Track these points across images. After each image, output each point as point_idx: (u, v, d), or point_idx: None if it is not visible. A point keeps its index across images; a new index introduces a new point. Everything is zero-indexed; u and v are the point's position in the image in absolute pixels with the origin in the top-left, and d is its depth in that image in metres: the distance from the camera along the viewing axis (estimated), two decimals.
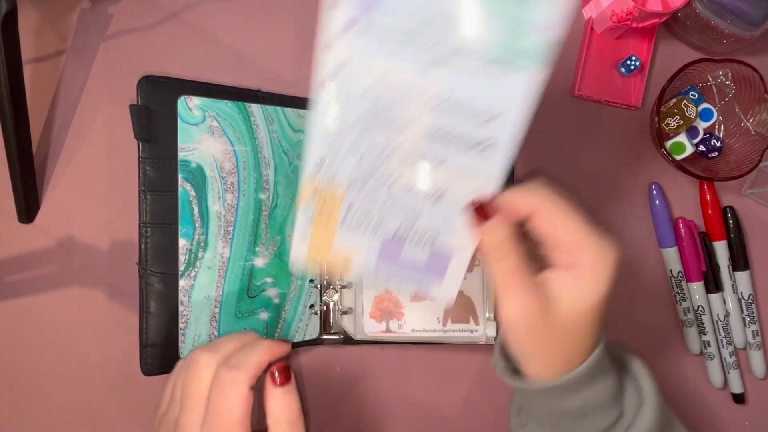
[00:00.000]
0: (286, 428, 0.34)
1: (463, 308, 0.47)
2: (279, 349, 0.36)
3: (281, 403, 0.35)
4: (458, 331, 0.47)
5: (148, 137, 0.44)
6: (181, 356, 0.44)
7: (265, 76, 0.50)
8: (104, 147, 0.49)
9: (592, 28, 0.51)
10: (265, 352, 0.35)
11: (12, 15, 0.40)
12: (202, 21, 0.50)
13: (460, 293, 0.47)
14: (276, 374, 0.35)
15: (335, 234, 0.35)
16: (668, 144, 0.50)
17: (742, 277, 0.52)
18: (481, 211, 0.34)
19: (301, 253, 0.36)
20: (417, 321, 0.47)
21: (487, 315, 0.47)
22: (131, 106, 0.44)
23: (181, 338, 0.44)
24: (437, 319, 0.47)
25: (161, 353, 0.44)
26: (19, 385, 0.49)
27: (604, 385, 0.34)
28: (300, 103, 0.48)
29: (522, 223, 0.33)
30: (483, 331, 0.47)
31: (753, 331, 0.51)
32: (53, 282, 0.49)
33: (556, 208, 0.32)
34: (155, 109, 0.44)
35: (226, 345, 0.36)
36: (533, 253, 0.34)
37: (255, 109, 0.47)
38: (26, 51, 0.45)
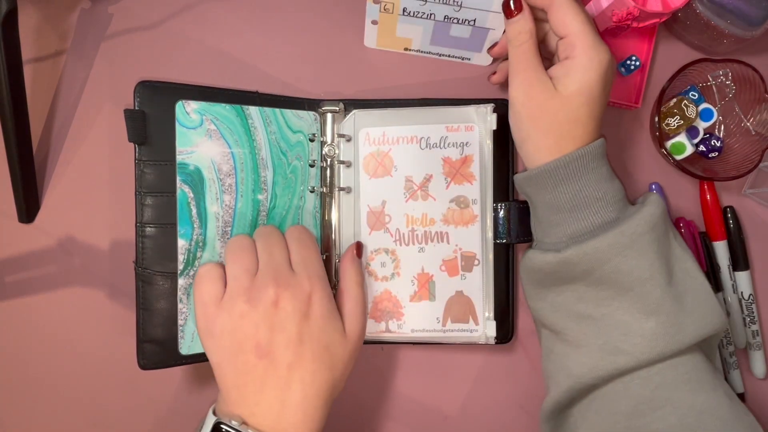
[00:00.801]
0: (356, 288, 0.45)
1: (462, 308, 0.47)
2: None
3: (355, 269, 0.45)
4: (457, 331, 0.47)
5: (143, 140, 0.45)
6: (181, 352, 0.45)
7: (263, 78, 0.50)
8: (104, 147, 0.49)
9: None
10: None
11: (12, 15, 0.40)
12: (202, 21, 0.50)
13: (460, 293, 0.47)
14: (356, 249, 0.46)
15: (397, 23, 0.46)
16: (668, 144, 0.50)
17: (742, 277, 0.52)
18: (508, 6, 0.43)
19: (372, 32, 0.48)
20: (416, 321, 0.47)
21: (486, 315, 0.47)
22: (125, 111, 0.44)
23: (180, 335, 0.45)
24: (437, 319, 0.47)
25: (160, 349, 0.45)
26: (20, 385, 0.49)
27: (597, 179, 0.41)
28: (298, 104, 0.48)
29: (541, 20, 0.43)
30: (482, 330, 0.47)
31: (753, 331, 0.52)
32: (53, 282, 0.49)
33: (567, 4, 0.40)
34: (153, 113, 0.45)
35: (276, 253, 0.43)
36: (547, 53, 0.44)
37: (253, 111, 0.47)
38: (26, 51, 0.45)
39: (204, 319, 0.41)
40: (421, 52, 0.50)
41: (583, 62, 0.40)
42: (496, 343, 0.48)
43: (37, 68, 0.49)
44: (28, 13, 0.49)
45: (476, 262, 0.47)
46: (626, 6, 0.45)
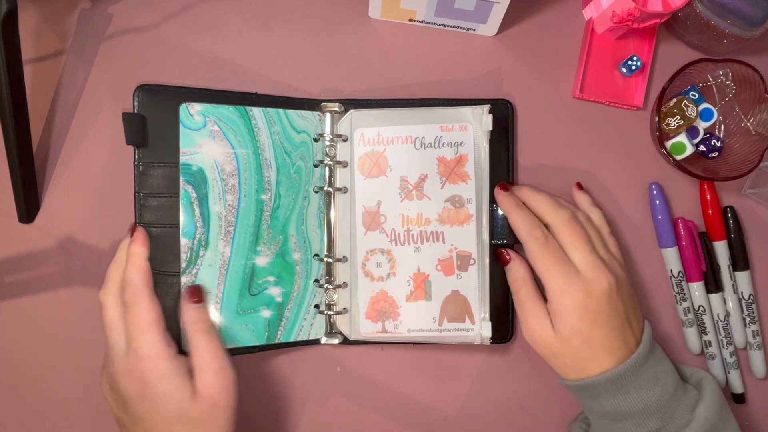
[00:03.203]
0: (200, 336, 0.42)
1: (458, 307, 0.47)
2: (141, 236, 0.44)
3: (195, 315, 0.43)
4: (454, 331, 0.47)
5: (141, 143, 0.45)
6: (184, 349, 0.44)
7: (265, 78, 0.50)
8: (104, 147, 0.49)
9: (592, 29, 0.51)
10: (134, 257, 0.43)
11: (12, 15, 0.40)
12: (202, 21, 0.50)
13: (456, 292, 0.47)
14: (191, 295, 0.44)
15: None
16: (668, 144, 0.50)
17: (742, 277, 0.52)
18: (502, 255, 0.47)
19: (377, 3, 0.48)
20: (413, 321, 0.47)
21: (482, 315, 0.47)
22: (123, 114, 0.45)
23: (183, 333, 0.45)
24: (433, 318, 0.47)
25: None
26: (19, 385, 0.49)
27: (635, 390, 0.41)
28: (302, 104, 0.48)
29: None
30: (478, 330, 0.47)
31: (753, 331, 0.51)
32: (53, 282, 0.49)
33: (531, 246, 0.44)
34: (154, 116, 0.45)
35: (112, 276, 0.44)
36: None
37: (256, 112, 0.47)
38: (26, 51, 0.45)
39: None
40: (426, 23, 0.50)
41: (557, 309, 0.43)
42: (492, 343, 0.48)
43: (37, 68, 0.49)
44: (28, 13, 0.49)
45: (472, 261, 0.47)
46: (627, 6, 0.45)
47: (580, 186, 0.50)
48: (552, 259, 0.43)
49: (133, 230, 0.44)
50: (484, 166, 0.47)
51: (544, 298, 0.44)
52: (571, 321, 0.42)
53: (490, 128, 0.47)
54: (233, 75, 0.50)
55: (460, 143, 0.47)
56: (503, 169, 0.50)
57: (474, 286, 0.47)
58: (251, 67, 0.50)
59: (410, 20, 0.50)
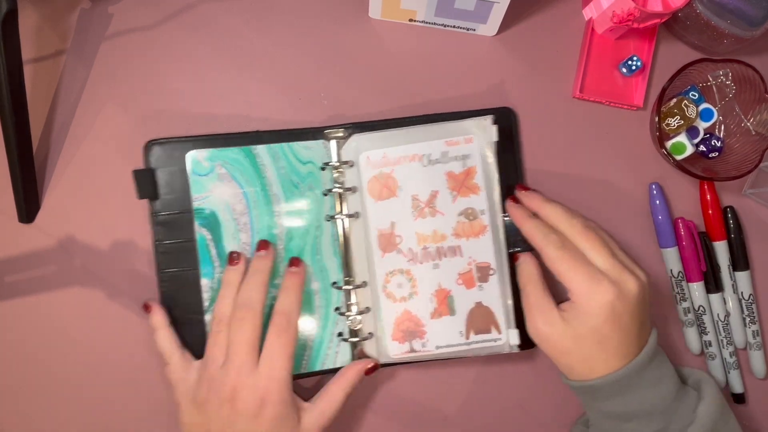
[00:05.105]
0: (340, 394, 0.45)
1: (483, 318, 0.47)
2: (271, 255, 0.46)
3: (354, 380, 0.46)
4: (481, 342, 0.47)
5: (152, 196, 0.47)
6: None
7: (265, 109, 0.50)
8: (104, 147, 0.49)
9: (592, 29, 0.51)
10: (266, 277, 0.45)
11: (12, 15, 0.40)
12: (202, 21, 0.50)
13: (479, 304, 0.47)
14: (370, 369, 0.47)
15: None
16: (668, 144, 0.50)
17: (742, 277, 0.52)
18: (514, 254, 0.47)
19: (377, 3, 0.48)
20: (440, 337, 0.47)
21: (508, 323, 0.47)
22: (134, 171, 0.46)
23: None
24: (459, 332, 0.47)
25: None
26: (20, 385, 0.49)
27: (639, 391, 0.41)
28: (306, 134, 0.48)
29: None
30: (506, 339, 0.46)
31: (753, 331, 0.51)
32: (53, 282, 0.49)
33: (557, 267, 0.42)
34: (164, 169, 0.47)
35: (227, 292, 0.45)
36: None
37: (260, 150, 0.48)
38: (26, 51, 0.45)
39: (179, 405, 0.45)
40: (426, 23, 0.50)
41: (581, 308, 0.41)
42: (521, 349, 0.47)
43: (37, 68, 0.49)
44: (28, 13, 0.49)
45: (491, 271, 0.47)
46: (627, 6, 0.45)
47: (514, 199, 0.48)
48: (572, 260, 0.42)
49: (260, 247, 0.46)
50: (492, 176, 0.47)
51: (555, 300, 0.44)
52: (594, 322, 0.41)
53: (496, 139, 0.47)
54: (236, 68, 0.50)
55: (467, 156, 0.47)
56: (512, 175, 0.49)
57: (496, 295, 0.47)
58: (255, 65, 0.50)
59: (410, 20, 0.50)
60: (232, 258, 0.46)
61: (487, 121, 0.47)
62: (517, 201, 0.47)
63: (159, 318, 0.45)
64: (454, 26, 0.50)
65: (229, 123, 0.50)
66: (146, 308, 0.46)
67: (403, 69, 0.51)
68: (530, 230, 0.44)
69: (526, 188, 0.48)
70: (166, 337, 0.45)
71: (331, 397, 0.45)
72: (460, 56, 0.51)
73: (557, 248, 0.42)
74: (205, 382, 0.43)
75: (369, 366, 0.46)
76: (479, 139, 0.47)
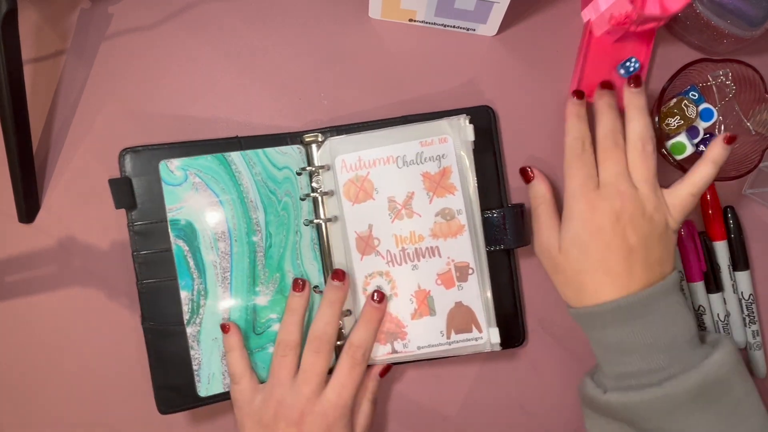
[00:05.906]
0: (367, 405, 0.47)
1: (463, 317, 0.47)
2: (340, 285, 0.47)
3: (374, 386, 0.48)
4: (462, 341, 0.47)
5: (130, 206, 0.46)
6: (200, 394, 0.46)
7: (265, 110, 0.50)
8: (104, 147, 0.49)
9: (590, 31, 0.51)
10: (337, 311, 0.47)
11: (12, 15, 0.40)
12: (202, 21, 0.50)
13: (459, 303, 0.47)
14: (384, 371, 0.49)
15: None
16: (668, 144, 0.50)
17: (742, 277, 0.52)
18: (525, 171, 0.49)
19: (377, 3, 0.48)
20: (421, 338, 0.47)
21: (488, 322, 0.47)
22: (110, 180, 0.46)
23: (196, 378, 0.46)
24: (440, 332, 0.47)
25: (177, 394, 0.47)
26: (19, 385, 0.49)
27: (644, 325, 0.41)
28: (280, 140, 0.48)
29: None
30: (486, 338, 0.47)
31: (753, 331, 0.51)
32: (53, 282, 0.49)
33: (565, 170, 0.45)
34: (139, 177, 0.47)
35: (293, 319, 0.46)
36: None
37: (235, 156, 0.47)
38: (26, 51, 0.45)
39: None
40: (426, 23, 0.50)
41: (566, 213, 0.45)
42: (504, 348, 0.47)
43: (37, 68, 0.49)
44: (28, 13, 0.49)
45: (470, 271, 0.47)
46: (624, 9, 0.45)
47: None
48: (578, 168, 0.44)
49: (336, 276, 0.46)
50: (468, 175, 0.47)
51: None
52: (574, 227, 0.43)
53: (472, 138, 0.47)
54: (237, 68, 0.50)
55: (442, 156, 0.47)
56: (492, 174, 0.49)
57: (476, 294, 0.47)
58: (252, 66, 0.50)
59: (410, 20, 0.50)
60: (297, 285, 0.46)
61: (462, 120, 0.47)
62: (580, 97, 0.47)
63: (235, 339, 0.46)
64: (454, 26, 0.50)
65: (229, 123, 0.50)
66: (224, 329, 0.46)
67: (403, 69, 0.51)
68: (568, 128, 0.46)
69: (639, 84, 0.45)
70: (239, 359, 0.45)
71: (364, 410, 0.47)
72: (459, 56, 0.51)
73: (574, 155, 0.45)
74: (273, 404, 0.44)
75: (383, 369, 0.48)
76: (454, 138, 0.47)
